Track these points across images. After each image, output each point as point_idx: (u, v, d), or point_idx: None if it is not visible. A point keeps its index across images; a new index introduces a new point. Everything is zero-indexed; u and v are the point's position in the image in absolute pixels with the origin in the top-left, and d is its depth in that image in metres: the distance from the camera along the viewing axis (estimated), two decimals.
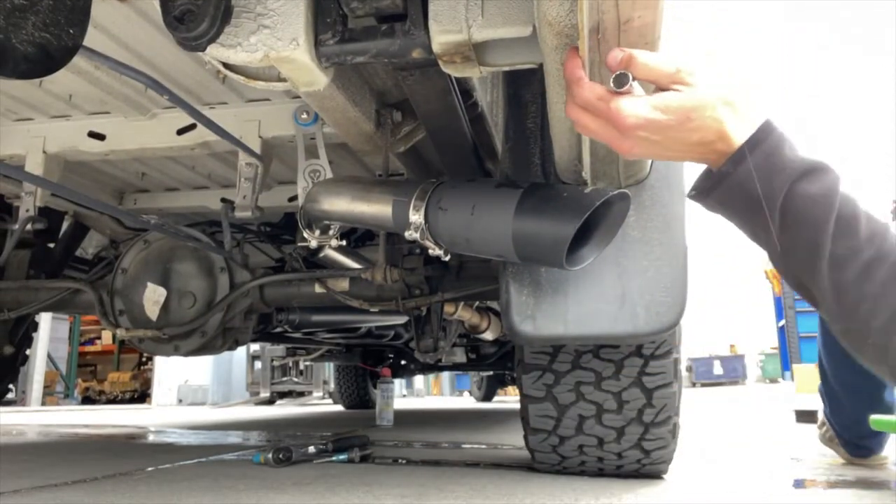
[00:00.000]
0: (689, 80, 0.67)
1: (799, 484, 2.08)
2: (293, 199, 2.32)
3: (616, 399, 1.90)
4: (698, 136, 0.66)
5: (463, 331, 3.41)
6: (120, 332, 2.31)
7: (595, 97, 0.72)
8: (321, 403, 9.01)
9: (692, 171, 1.69)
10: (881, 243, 0.59)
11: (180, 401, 11.11)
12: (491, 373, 8.76)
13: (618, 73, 0.71)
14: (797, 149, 0.65)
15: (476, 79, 1.47)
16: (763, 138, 0.65)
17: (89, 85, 1.74)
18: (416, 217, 1.35)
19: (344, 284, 2.16)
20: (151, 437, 4.04)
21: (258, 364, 9.63)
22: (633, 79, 0.71)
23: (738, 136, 0.66)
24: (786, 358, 18.63)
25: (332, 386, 7.76)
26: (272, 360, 9.20)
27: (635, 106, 0.68)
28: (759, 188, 0.63)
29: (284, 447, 2.37)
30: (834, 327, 0.63)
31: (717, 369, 20.60)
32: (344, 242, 1.69)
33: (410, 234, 1.37)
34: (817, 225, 0.60)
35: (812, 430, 2.89)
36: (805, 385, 6.72)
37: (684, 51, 0.69)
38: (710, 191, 0.68)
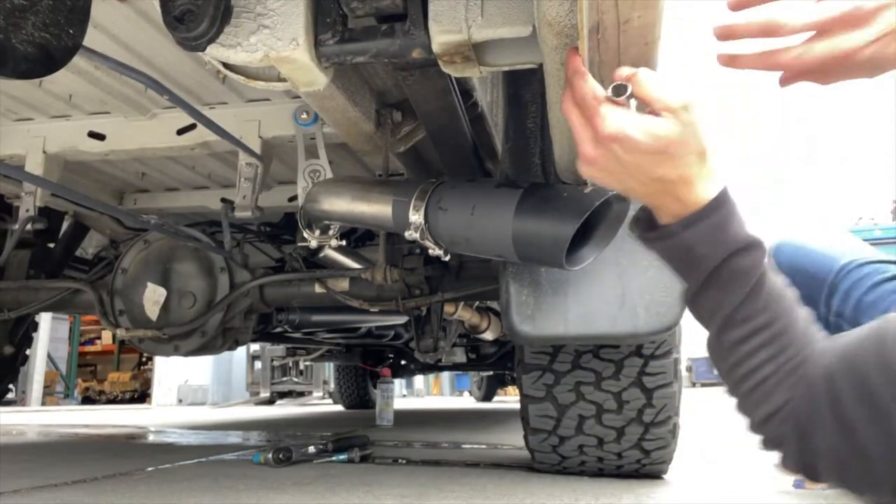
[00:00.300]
0: (682, 115, 0.66)
1: (799, 485, 2.07)
2: (293, 199, 2.31)
3: (616, 399, 1.90)
4: (663, 172, 0.67)
5: (463, 331, 3.41)
6: (120, 332, 2.31)
7: (591, 94, 0.71)
8: (321, 403, 9.01)
9: None
10: (772, 311, 0.65)
11: (180, 401, 11.10)
12: (491, 373, 8.76)
13: (618, 83, 0.70)
14: (741, 220, 0.67)
15: (476, 79, 1.47)
16: (717, 207, 0.67)
17: (89, 85, 1.74)
18: (416, 217, 1.35)
19: (344, 284, 2.16)
20: (151, 437, 4.04)
21: (258, 364, 9.62)
22: (631, 95, 0.69)
23: (700, 189, 0.67)
24: None
25: (332, 386, 7.76)
26: (272, 360, 9.20)
27: (621, 117, 0.67)
28: (699, 254, 0.67)
29: (284, 447, 2.37)
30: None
31: None
32: (344, 242, 1.69)
33: (410, 234, 1.37)
34: (732, 292, 0.66)
35: None
36: None
37: (686, 77, 0.68)
38: (655, 241, 0.72)
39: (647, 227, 0.73)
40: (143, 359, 12.53)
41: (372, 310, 2.14)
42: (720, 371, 0.69)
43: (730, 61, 0.72)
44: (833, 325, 1.06)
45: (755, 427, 0.66)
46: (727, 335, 0.66)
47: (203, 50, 0.97)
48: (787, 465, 0.63)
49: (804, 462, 0.61)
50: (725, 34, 0.71)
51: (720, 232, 0.66)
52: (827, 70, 0.67)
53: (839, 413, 0.57)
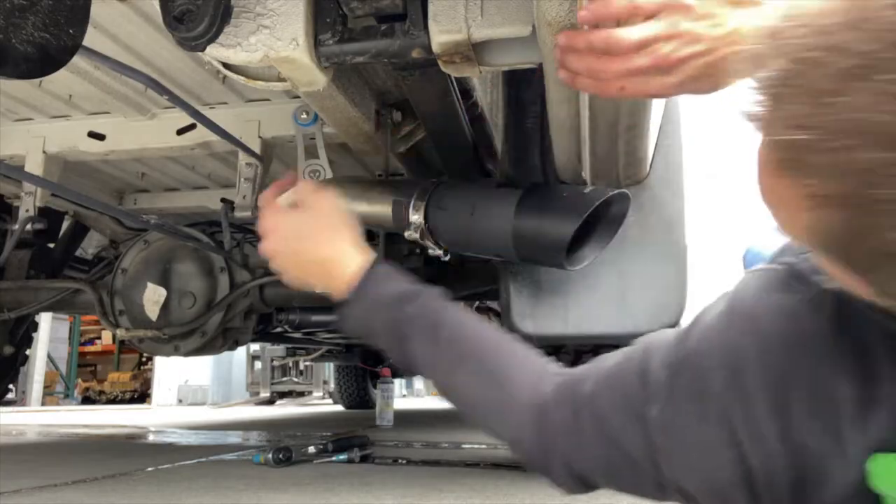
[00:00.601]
0: (307, 211, 0.82)
1: None
2: None
3: None
4: (307, 254, 0.80)
5: None
6: (120, 332, 2.31)
7: (266, 198, 0.89)
8: (321, 403, 9.01)
9: (692, 171, 1.69)
10: (459, 345, 0.72)
11: (180, 401, 11.09)
12: None
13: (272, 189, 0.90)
14: (394, 279, 0.77)
15: (476, 79, 1.47)
16: (364, 282, 0.77)
17: (89, 85, 1.74)
18: (416, 217, 1.35)
19: None
20: (151, 437, 4.04)
21: (258, 364, 9.62)
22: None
23: (343, 269, 0.78)
24: None
25: (332, 386, 7.76)
26: (272, 360, 9.19)
27: (273, 214, 0.84)
28: (372, 325, 0.77)
29: (284, 447, 2.37)
30: None
31: None
32: None
33: (410, 234, 1.37)
34: (412, 337, 0.73)
35: None
36: None
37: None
38: (340, 325, 0.81)
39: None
40: (143, 359, 12.52)
41: None
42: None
43: (569, 80, 0.79)
44: None
45: (510, 449, 0.70)
46: (437, 378, 0.73)
47: (203, 50, 0.97)
48: (560, 483, 0.66)
49: (578, 476, 0.64)
50: (566, 46, 0.77)
51: (375, 297, 0.76)
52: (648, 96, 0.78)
53: (606, 429, 0.60)
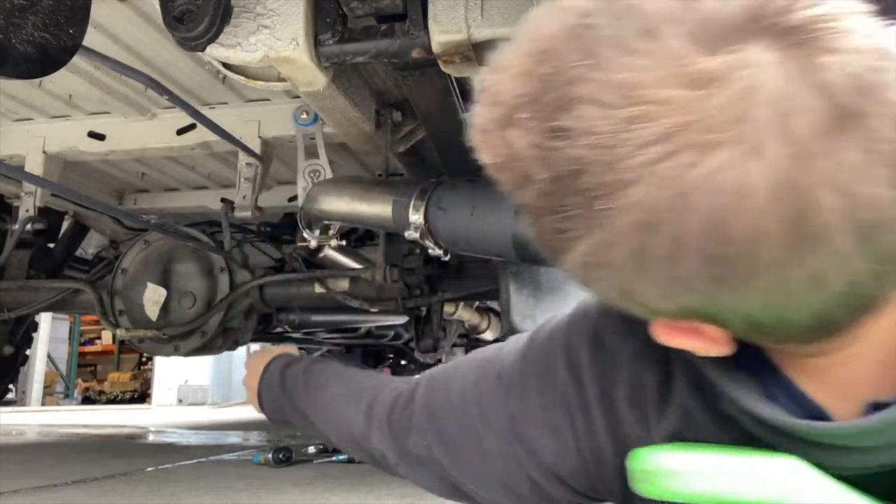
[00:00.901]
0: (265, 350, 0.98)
1: None
2: (293, 199, 2.31)
3: None
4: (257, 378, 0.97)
5: (463, 331, 3.40)
6: (120, 332, 2.31)
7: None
8: None
9: None
10: (320, 379, 0.84)
11: (180, 401, 11.08)
12: None
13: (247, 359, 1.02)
14: (282, 359, 0.91)
15: (476, 79, 1.47)
16: (265, 373, 0.91)
17: (89, 85, 1.74)
18: (416, 217, 1.35)
19: (344, 284, 2.16)
20: (151, 437, 4.04)
21: None
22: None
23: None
24: None
25: None
26: None
27: (250, 361, 0.98)
28: (275, 406, 0.90)
29: (284, 447, 2.37)
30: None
31: None
32: (344, 242, 1.69)
33: (410, 234, 1.37)
34: (295, 396, 0.85)
35: None
36: None
37: None
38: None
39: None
40: (143, 359, 12.52)
41: (372, 310, 2.14)
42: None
43: None
44: None
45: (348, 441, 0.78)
46: (317, 416, 0.82)
47: (203, 50, 0.97)
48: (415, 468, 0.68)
49: (449, 483, 0.65)
50: None
51: (270, 381, 0.90)
52: None
53: (470, 419, 0.62)
